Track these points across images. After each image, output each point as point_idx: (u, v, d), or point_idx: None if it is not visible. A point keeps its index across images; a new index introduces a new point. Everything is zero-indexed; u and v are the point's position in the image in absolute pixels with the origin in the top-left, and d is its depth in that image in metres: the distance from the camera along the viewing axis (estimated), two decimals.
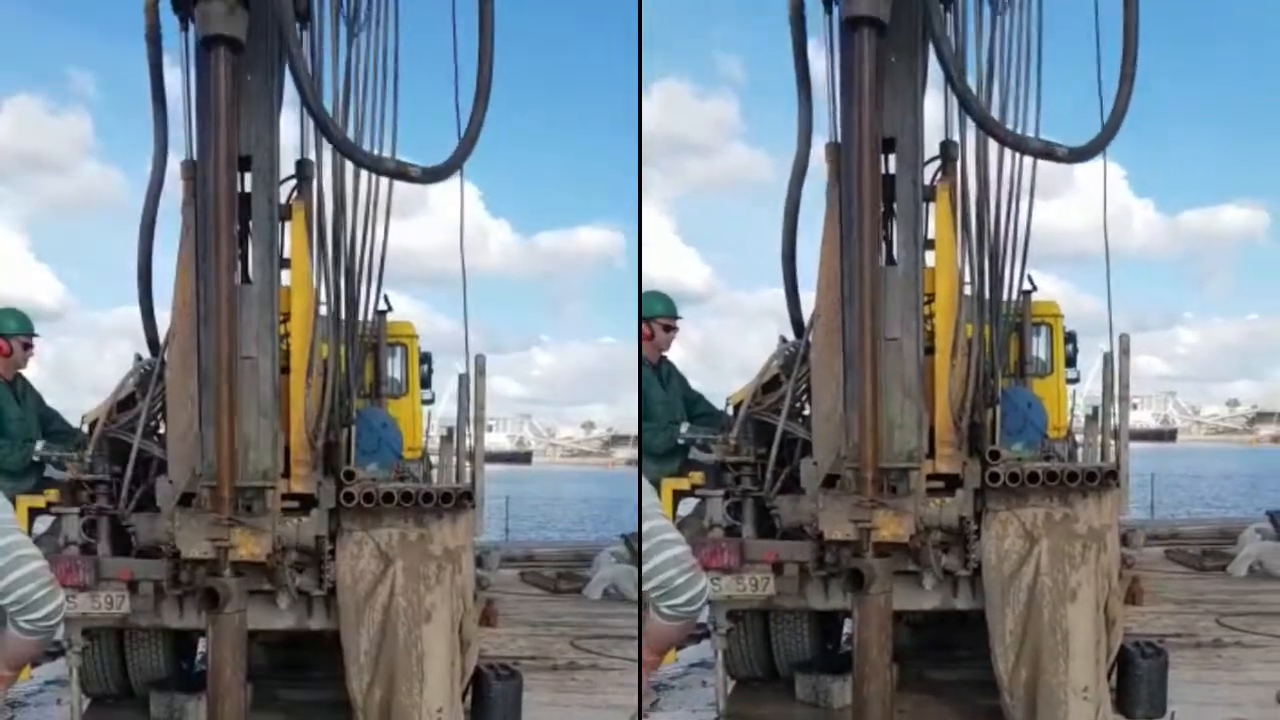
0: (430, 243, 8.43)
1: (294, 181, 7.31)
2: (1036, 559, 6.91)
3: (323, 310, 7.37)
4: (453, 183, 7.25)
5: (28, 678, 8.35)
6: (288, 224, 7.28)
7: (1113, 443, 7.38)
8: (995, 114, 6.72)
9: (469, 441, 7.58)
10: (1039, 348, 12.96)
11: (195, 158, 7.04)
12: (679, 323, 8.85)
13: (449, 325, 9.46)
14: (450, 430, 7.98)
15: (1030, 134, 6.81)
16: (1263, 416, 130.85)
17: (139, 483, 7.55)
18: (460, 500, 7.19)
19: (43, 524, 7.77)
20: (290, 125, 7.30)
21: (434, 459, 8.81)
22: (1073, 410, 12.37)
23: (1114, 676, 7.22)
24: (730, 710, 7.75)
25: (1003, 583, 6.96)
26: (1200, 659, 9.69)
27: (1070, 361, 13.60)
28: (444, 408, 13.42)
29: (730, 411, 7.85)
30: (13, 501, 6.94)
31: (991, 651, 7.05)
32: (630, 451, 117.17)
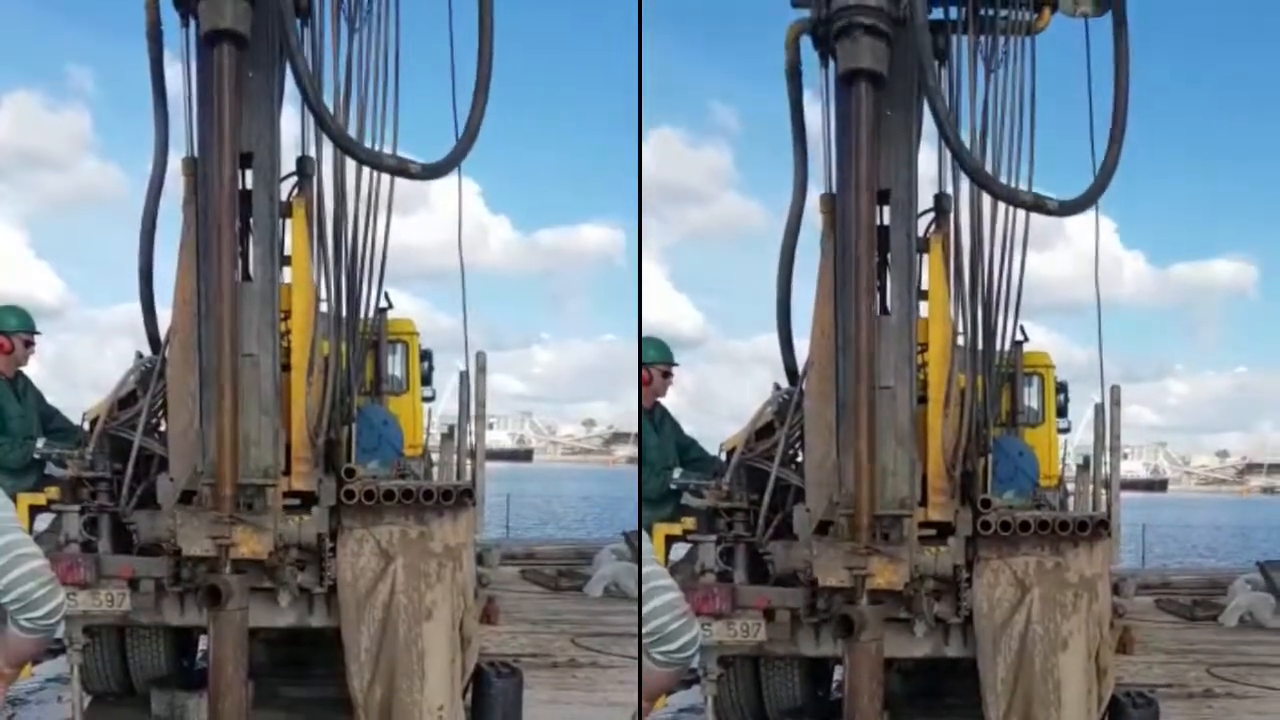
0: (430, 239, 8.56)
1: (295, 178, 7.36)
2: (1028, 607, 6.97)
3: (323, 308, 7.41)
4: (452, 179, 7.34)
5: (29, 675, 8.12)
6: (288, 221, 7.32)
7: (1104, 492, 7.48)
8: (989, 167, 6.85)
9: (470, 439, 7.71)
10: (1030, 397, 13.19)
11: (196, 154, 7.10)
12: (674, 368, 8.98)
13: (449, 322, 9.69)
14: (451, 428, 8.09)
15: (1023, 187, 6.95)
16: (1252, 468, 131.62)
17: (140, 480, 7.57)
18: (461, 498, 7.28)
19: (43, 521, 7.83)
20: (290, 122, 7.35)
21: (435, 456, 8.91)
22: (1064, 459, 12.57)
23: None
24: None
25: (994, 631, 7.02)
26: (1191, 709, 9.86)
27: (1061, 411, 13.95)
28: (444, 405, 13.64)
29: (723, 457, 7.93)
30: (13, 499, 7.07)
31: (983, 700, 7.09)
32: (631, 449, 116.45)
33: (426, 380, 14.52)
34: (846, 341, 6.76)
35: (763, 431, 7.69)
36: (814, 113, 7.53)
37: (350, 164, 7.12)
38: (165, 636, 8.56)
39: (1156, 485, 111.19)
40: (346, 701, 7.58)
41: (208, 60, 6.74)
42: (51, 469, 7.89)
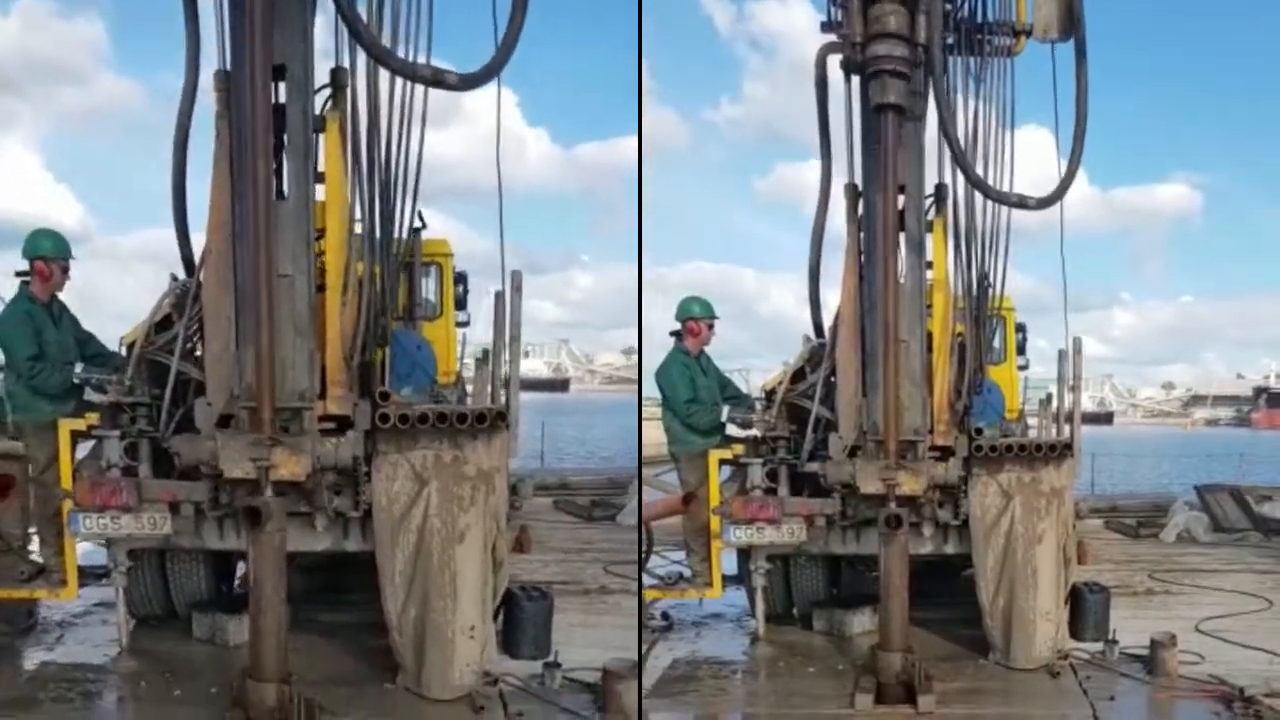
0: (465, 153, 8.07)
1: (328, 91, 7.40)
2: (1011, 512, 9.18)
3: (357, 228, 7.52)
4: (489, 90, 7.08)
5: (74, 598, 8.74)
6: (321, 136, 7.32)
7: (1066, 425, 9.60)
8: (979, 168, 8.87)
9: (505, 363, 7.84)
10: (429, 290, 13.15)
11: (228, 68, 7.12)
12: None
13: (484, 244, 9.58)
14: (486, 352, 8.27)
15: (1004, 176, 8.96)
16: (1197, 400, 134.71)
17: (178, 405, 7.90)
18: (495, 421, 7.56)
19: (83, 448, 8.24)
20: (322, 33, 7.26)
21: (469, 385, 9.32)
22: (1024, 395, 14.49)
23: (1067, 610, 9.39)
24: (132, 647, 8.53)
25: (985, 531, 9.24)
26: (1135, 603, 11.88)
27: (1020, 350, 15.50)
28: (479, 331, 13.05)
29: (763, 396, 10.15)
30: (54, 424, 8.09)
31: (976, 585, 9.33)
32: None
33: (461, 305, 13.86)
34: (872, 304, 8.92)
35: (796, 375, 9.90)
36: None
37: (385, 76, 7.09)
38: (205, 560, 9.03)
39: (1103, 419, 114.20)
40: (380, 625, 7.90)
41: (874, 122, 7.99)
42: (90, 395, 8.31)
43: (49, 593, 8.71)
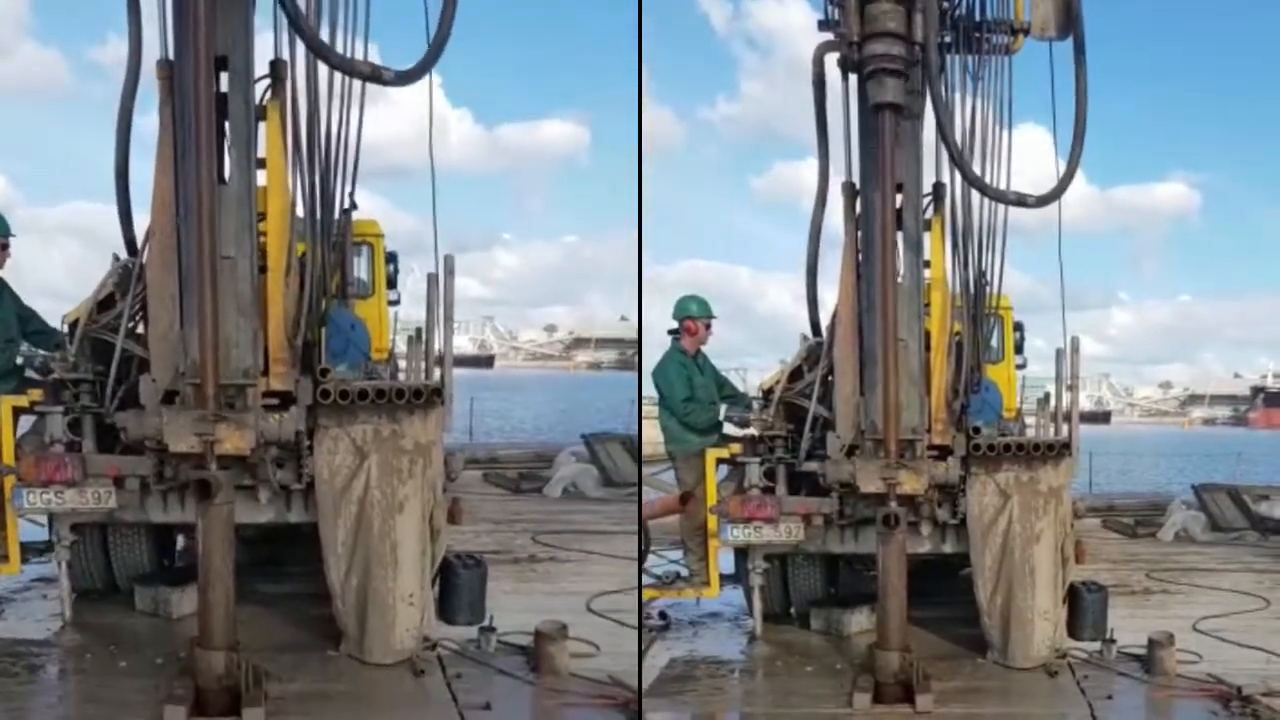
0: (390, 134, 8.37)
1: (267, 82, 7.72)
2: (1009, 511, 9.20)
3: (298, 211, 7.83)
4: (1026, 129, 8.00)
5: (17, 572, 8.80)
6: (262, 124, 7.65)
7: (1064, 425, 9.54)
8: (976, 167, 8.90)
9: (438, 342, 8.13)
10: (360, 268, 13.52)
11: (171, 58, 7.40)
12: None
13: (410, 221, 9.72)
14: (419, 330, 8.46)
15: (1002, 175, 8.99)
16: (1194, 399, 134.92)
17: (121, 381, 8.10)
18: (431, 397, 7.94)
19: (25, 423, 8.39)
20: (260, 25, 7.57)
21: (400, 362, 9.41)
22: (1022, 394, 14.53)
23: (1065, 609, 9.40)
24: (75, 620, 8.66)
25: (983, 530, 9.26)
26: (1134, 602, 11.97)
27: (1018, 349, 15.53)
28: (408, 309, 13.83)
29: (760, 396, 10.16)
30: None
31: (974, 584, 9.35)
32: (592, 355, 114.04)
33: (392, 283, 14.25)
34: (870, 303, 8.93)
35: (794, 374, 9.93)
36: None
37: (323, 68, 7.45)
38: (146, 534, 9.18)
39: (1100, 417, 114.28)
40: (318, 595, 8.27)
41: (871, 121, 8.11)
42: (31, 373, 8.51)
43: None
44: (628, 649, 8.26)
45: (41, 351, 8.54)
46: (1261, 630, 10.50)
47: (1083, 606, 9.50)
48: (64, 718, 7.37)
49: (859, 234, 9.25)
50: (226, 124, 7.45)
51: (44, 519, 8.61)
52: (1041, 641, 9.19)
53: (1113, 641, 9.42)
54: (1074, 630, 9.52)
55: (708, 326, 10.70)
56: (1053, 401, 9.70)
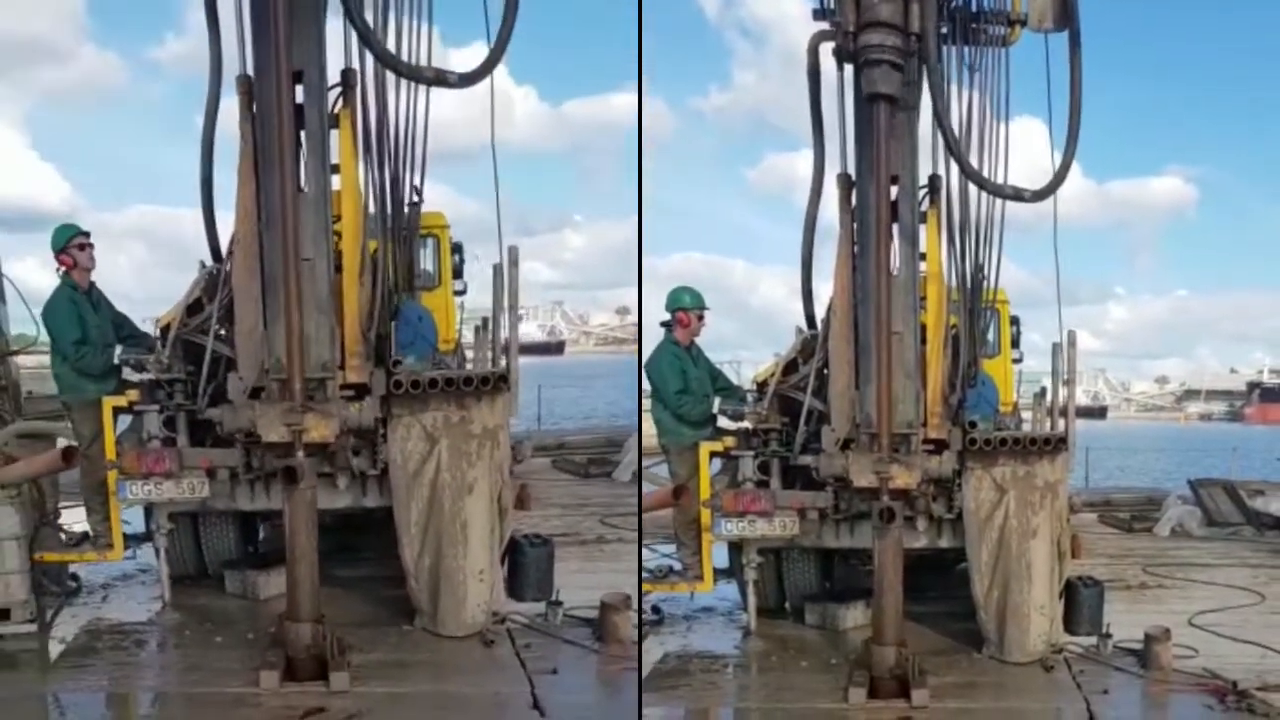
0: (453, 115, 8.57)
1: (338, 90, 8.22)
2: (1006, 506, 9.24)
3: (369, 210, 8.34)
4: (476, 53, 7.84)
5: (120, 558, 9.49)
6: (334, 132, 8.16)
7: (1061, 419, 9.56)
8: (973, 159, 8.87)
9: (504, 330, 8.69)
10: (426, 260, 13.90)
11: (250, 74, 7.97)
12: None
13: (474, 207, 10.69)
14: (485, 319, 9.04)
15: (999, 168, 8.95)
16: (1190, 394, 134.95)
17: (211, 380, 8.78)
18: (497, 384, 8.48)
19: (123, 422, 9.05)
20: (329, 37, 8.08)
21: (468, 352, 9.85)
22: (1018, 389, 14.55)
23: (1061, 604, 9.46)
24: (172, 602, 9.33)
25: (980, 524, 9.30)
26: (1130, 597, 12.00)
27: (1015, 343, 15.53)
28: (474, 296, 14.16)
29: (754, 388, 10.18)
30: (99, 402, 8.99)
31: (970, 579, 9.39)
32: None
33: (458, 274, 14.65)
34: (865, 295, 8.97)
35: (788, 367, 9.95)
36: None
37: (390, 75, 8.03)
38: (234, 522, 9.85)
39: (1096, 412, 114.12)
40: (390, 578, 8.94)
41: (867, 112, 8.28)
42: (129, 374, 9.05)
43: (98, 555, 9.37)
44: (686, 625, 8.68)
45: (135, 354, 9.11)
46: (1257, 625, 10.55)
47: (1079, 601, 9.56)
48: (171, 682, 8.12)
49: (854, 226, 9.26)
50: (302, 133, 7.90)
51: (139, 511, 9.36)
52: (1037, 636, 9.24)
53: (1109, 636, 9.46)
54: (1070, 625, 9.56)
55: (700, 318, 10.68)
56: (1049, 396, 9.72)
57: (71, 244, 9.38)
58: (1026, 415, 12.24)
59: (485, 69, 7.69)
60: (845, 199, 9.38)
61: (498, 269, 8.65)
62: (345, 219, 8.35)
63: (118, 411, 9.00)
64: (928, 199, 9.35)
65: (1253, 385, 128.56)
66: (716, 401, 10.43)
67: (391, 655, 8.32)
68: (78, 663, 8.25)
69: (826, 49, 9.30)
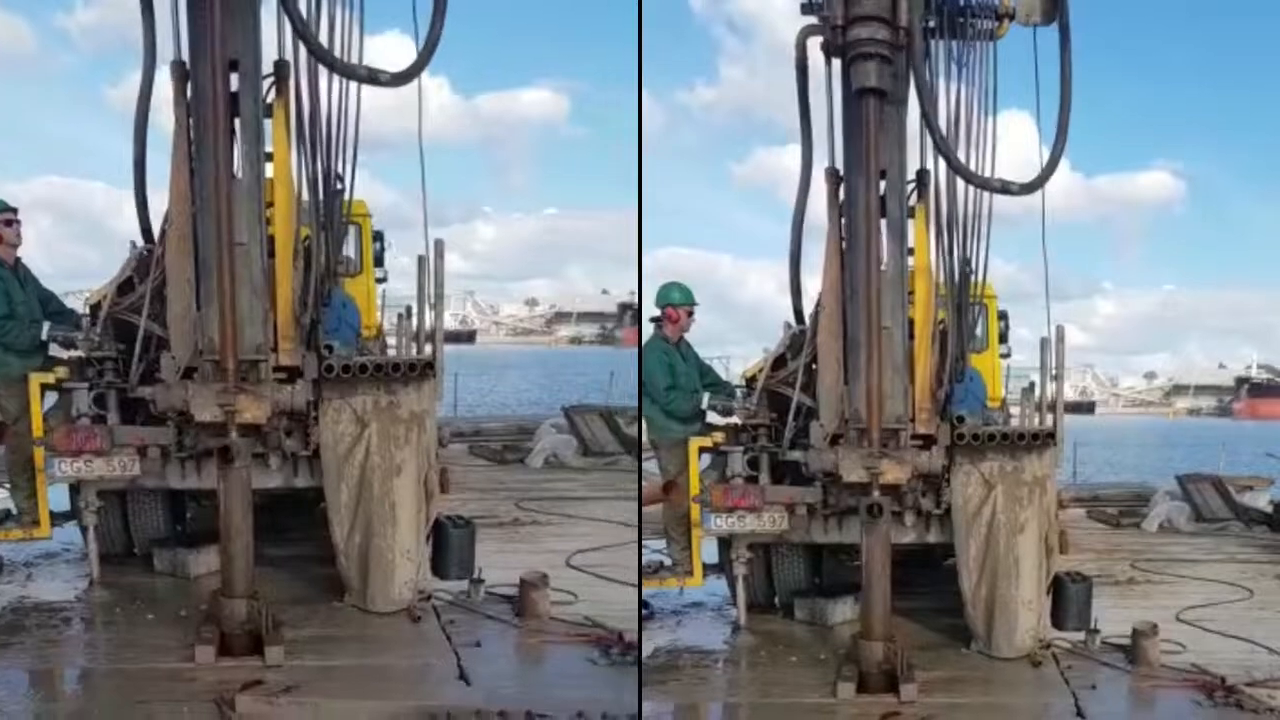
0: (369, 105, 8.58)
1: (271, 81, 8.40)
2: (993, 501, 9.24)
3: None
4: (394, 45, 8.41)
5: (48, 535, 9.55)
6: (268, 121, 8.37)
7: (1049, 414, 9.56)
8: (960, 153, 8.90)
9: (428, 319, 8.93)
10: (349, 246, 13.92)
11: (184, 60, 8.12)
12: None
13: (391, 195, 10.32)
14: (408, 308, 9.25)
15: (987, 162, 9.00)
16: (1179, 389, 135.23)
17: (142, 359, 8.84)
18: (424, 370, 8.74)
19: (50, 399, 9.08)
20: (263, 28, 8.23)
21: (389, 339, 10.18)
22: (1006, 384, 14.58)
23: (1049, 599, 9.47)
24: (100, 580, 9.42)
25: (967, 520, 9.31)
26: (1118, 592, 12.03)
27: (1003, 338, 15.54)
28: (392, 284, 14.65)
29: (743, 384, 10.21)
30: (24, 378, 9.02)
31: (958, 574, 9.41)
32: (574, 329, 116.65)
33: (379, 261, 14.94)
34: (854, 290, 8.98)
35: (777, 362, 9.95)
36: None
37: (324, 69, 8.17)
38: (163, 501, 10.02)
39: (1084, 408, 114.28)
40: (319, 558, 9.25)
41: (855, 106, 8.30)
42: (55, 350, 9.16)
43: (24, 533, 9.43)
44: (603, 596, 8.97)
45: (63, 331, 9.18)
46: (1245, 620, 10.58)
47: (1067, 597, 9.55)
48: (106, 657, 8.26)
49: (842, 221, 9.24)
50: (237, 121, 8.04)
51: (64, 489, 9.47)
52: (1025, 632, 9.24)
53: (1096, 632, 9.48)
54: (1058, 620, 9.57)
55: (690, 314, 10.70)
56: (1037, 391, 9.72)
57: (12, 226, 9.47)
58: (1015, 410, 12.32)
59: (415, 69, 7.98)
60: (833, 194, 9.36)
61: (423, 260, 8.90)
62: (278, 206, 8.57)
63: (44, 389, 9.05)
64: (916, 194, 9.30)
65: (1241, 380, 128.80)
66: (706, 397, 10.45)
67: (323, 630, 8.53)
68: (4, 640, 8.30)
69: (814, 43, 9.28)
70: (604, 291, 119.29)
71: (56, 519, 9.54)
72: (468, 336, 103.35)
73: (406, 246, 8.41)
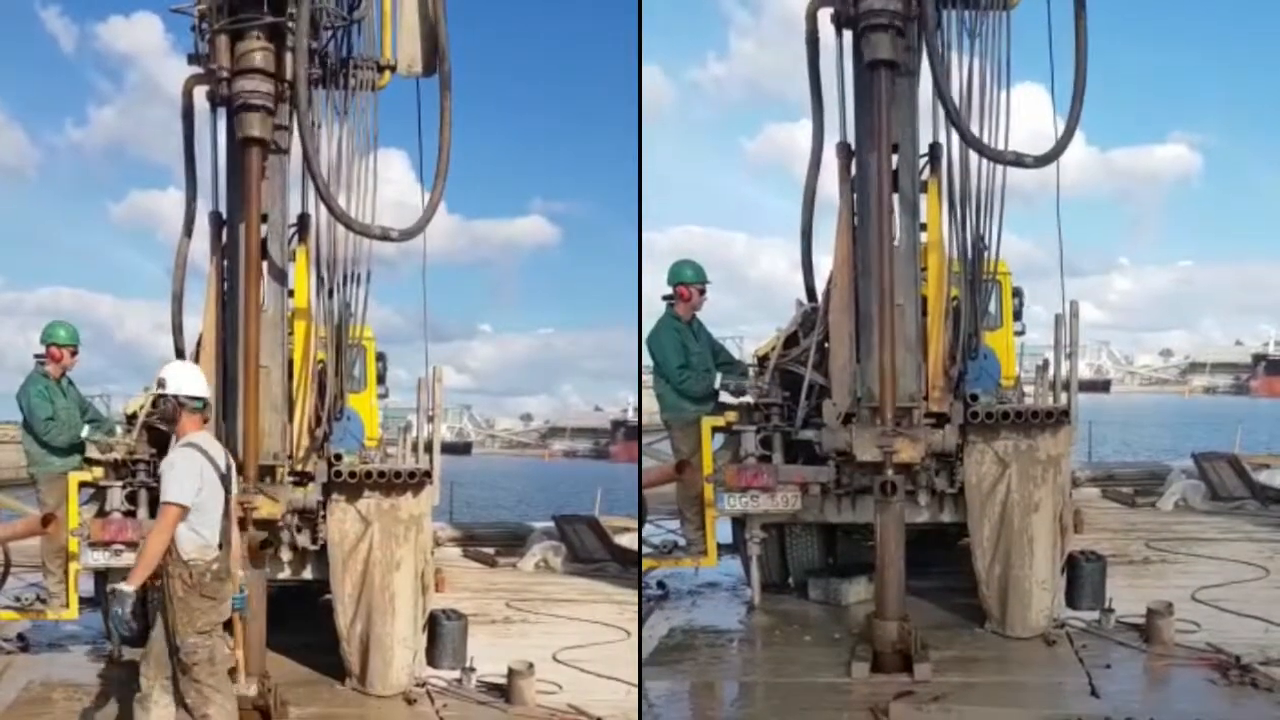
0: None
1: (296, 230, 9.11)
2: (1008, 480, 9.21)
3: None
4: (395, 161, 9.45)
5: (713, 565, 10.90)
6: (291, 264, 9.09)
7: (1063, 392, 9.47)
8: (974, 125, 8.73)
9: (427, 432, 9.45)
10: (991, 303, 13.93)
11: (220, 211, 8.95)
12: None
13: (384, 313, 12.88)
14: (410, 422, 9.90)
15: (1000, 134, 8.80)
16: (1195, 367, 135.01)
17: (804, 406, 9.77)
18: (422, 478, 9.13)
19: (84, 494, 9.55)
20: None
21: (390, 449, 10.50)
22: (1020, 361, 14.49)
23: (1063, 578, 9.44)
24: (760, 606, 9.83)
25: (981, 499, 9.29)
26: (1132, 571, 11.99)
27: (1017, 315, 15.46)
28: (394, 398, 16.28)
29: (755, 363, 10.22)
30: (64, 476, 9.72)
31: (972, 553, 9.39)
32: (567, 443, 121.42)
33: (381, 379, 16.18)
34: (866, 267, 8.97)
35: (789, 340, 9.96)
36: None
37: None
38: (818, 534, 10.93)
39: (1100, 385, 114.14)
40: (961, 589, 9.81)
41: (239, 154, 8.42)
42: (91, 452, 9.68)
43: (54, 614, 10.08)
44: (586, 688, 8.99)
45: (101, 436, 9.76)
46: (1260, 599, 10.51)
47: (1081, 576, 9.52)
48: (768, 673, 9.06)
49: (854, 196, 9.22)
50: (265, 264, 8.65)
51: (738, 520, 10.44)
52: (1039, 611, 9.23)
53: (1111, 611, 9.44)
54: (1072, 600, 9.54)
55: (702, 292, 10.70)
56: (1052, 369, 9.64)
57: (68, 346, 10.35)
58: (1029, 388, 12.27)
59: (420, 225, 8.51)
60: (845, 168, 9.35)
61: (422, 382, 9.44)
62: (298, 336, 9.22)
63: (82, 485, 9.55)
64: (928, 167, 9.26)
65: (1258, 358, 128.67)
66: (719, 377, 10.44)
67: (964, 652, 9.02)
68: (678, 658, 9.12)
69: (825, 15, 9.28)
70: (596, 409, 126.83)
71: (88, 604, 10.33)
72: (464, 448, 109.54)
73: (400, 361, 9.05)
